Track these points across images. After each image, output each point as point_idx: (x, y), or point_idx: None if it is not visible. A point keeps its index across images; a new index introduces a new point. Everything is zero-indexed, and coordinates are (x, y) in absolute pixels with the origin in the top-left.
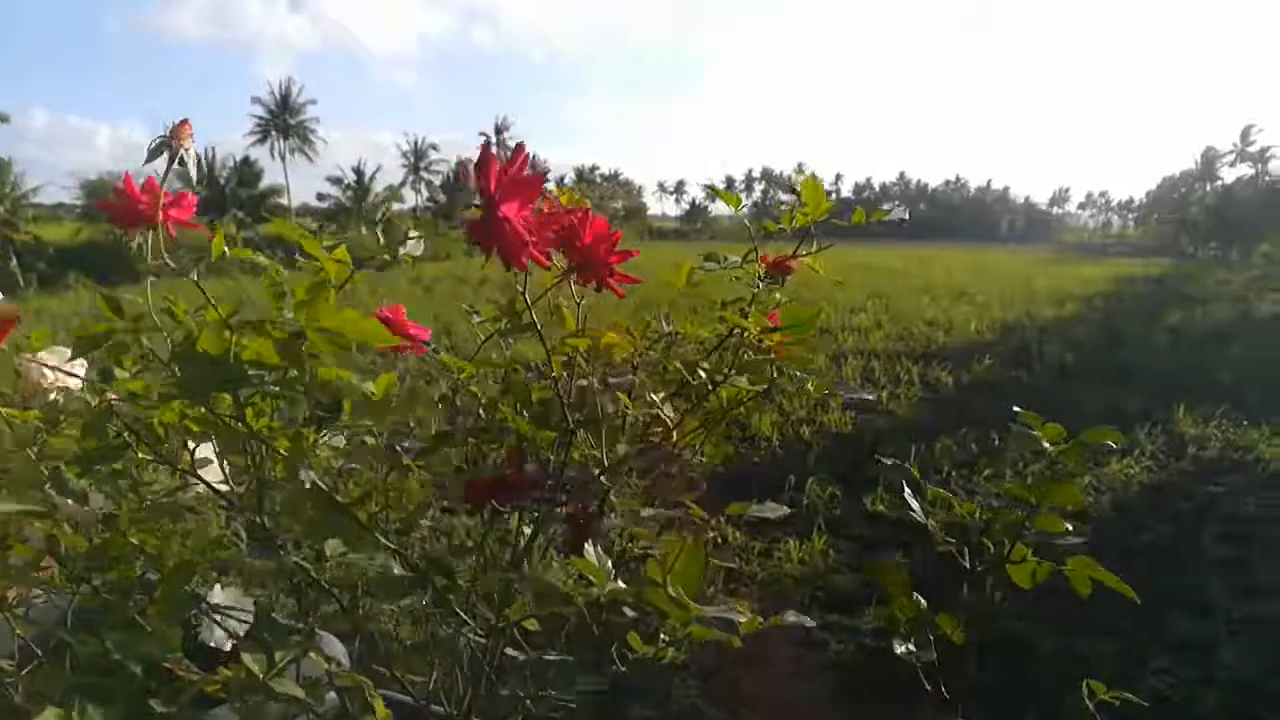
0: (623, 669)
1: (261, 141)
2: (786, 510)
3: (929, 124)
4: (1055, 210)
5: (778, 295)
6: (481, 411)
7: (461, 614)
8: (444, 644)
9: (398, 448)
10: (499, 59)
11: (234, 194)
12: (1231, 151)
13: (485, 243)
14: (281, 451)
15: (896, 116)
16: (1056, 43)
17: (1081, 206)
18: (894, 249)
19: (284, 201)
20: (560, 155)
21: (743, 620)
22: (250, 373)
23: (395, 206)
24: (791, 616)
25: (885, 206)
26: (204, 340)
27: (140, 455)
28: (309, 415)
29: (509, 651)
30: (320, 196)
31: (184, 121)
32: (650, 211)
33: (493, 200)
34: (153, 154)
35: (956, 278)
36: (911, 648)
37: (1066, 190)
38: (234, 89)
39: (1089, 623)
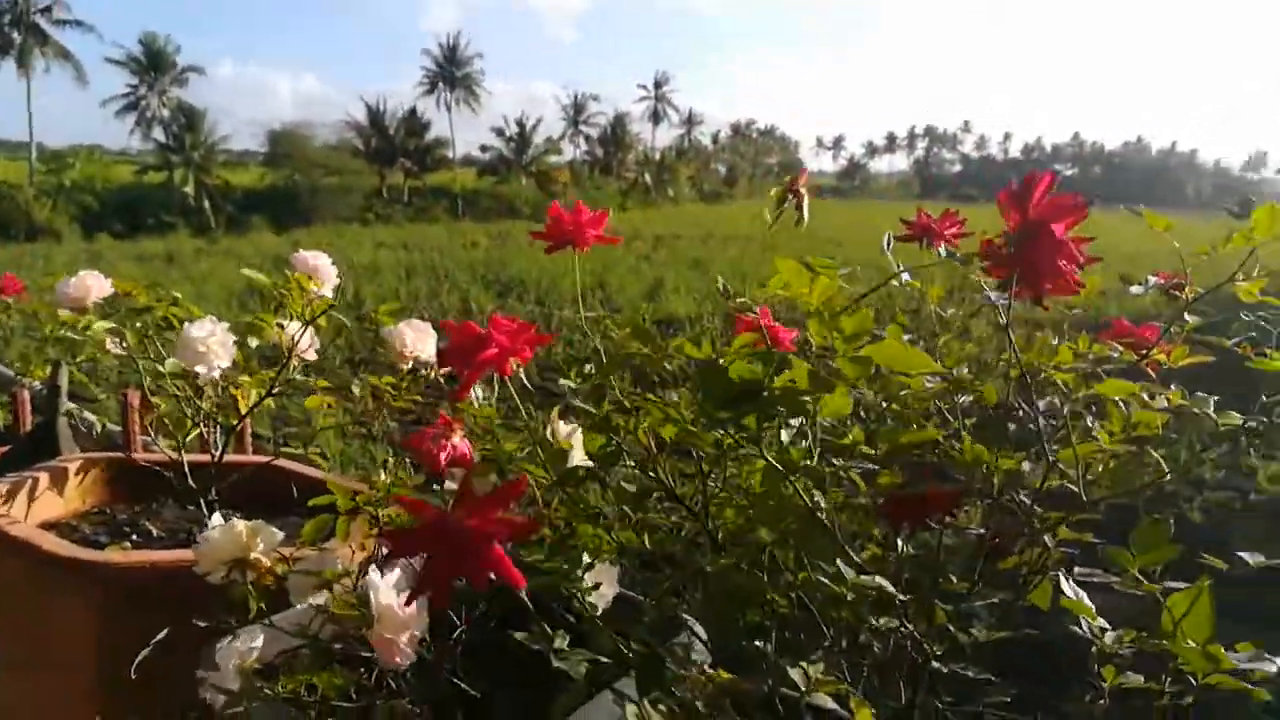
0: (1103, 701)
1: (429, 93)
2: None
3: (1108, 80)
4: (1250, 175)
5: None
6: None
7: (919, 637)
8: (864, 649)
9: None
10: (663, 12)
11: (402, 144)
12: None
13: (1032, 269)
14: (774, 463)
15: (1072, 71)
16: None
17: None
18: None
19: (449, 153)
20: (717, 110)
21: (1270, 669)
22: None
23: (553, 159)
24: None
25: None
26: (737, 369)
27: (625, 465)
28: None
29: (935, 663)
30: (483, 148)
31: (802, 171)
32: (806, 167)
33: (1042, 223)
34: (777, 204)
35: (1126, 246)
36: None
37: (1264, 154)
38: (405, 38)
39: None
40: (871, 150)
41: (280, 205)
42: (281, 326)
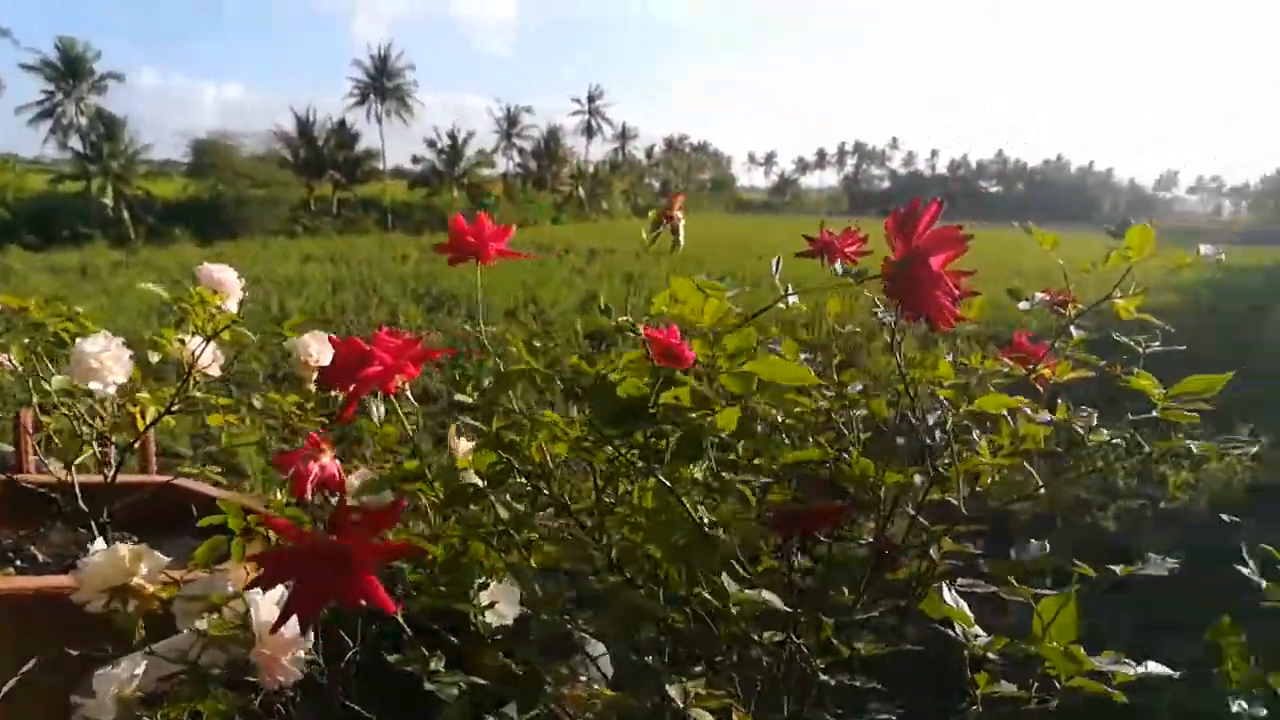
0: (979, 708)
1: (360, 104)
2: (1174, 564)
3: (1031, 101)
4: (1162, 194)
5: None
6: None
7: (807, 649)
8: (753, 661)
9: (738, 479)
10: (597, 26)
11: (331, 155)
12: None
13: (909, 299)
14: (664, 481)
15: (997, 92)
16: (1169, 21)
17: (1191, 190)
18: (983, 230)
19: (379, 165)
20: (652, 125)
21: (1130, 673)
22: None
23: (486, 171)
24: (1153, 665)
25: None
26: (627, 385)
27: (519, 480)
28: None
29: (823, 676)
30: (415, 160)
31: (677, 195)
32: (739, 183)
33: (922, 256)
34: (653, 227)
35: (1044, 261)
36: (1244, 705)
37: (1175, 173)
38: (334, 49)
39: None
40: (802, 166)
41: (204, 217)
42: (183, 342)
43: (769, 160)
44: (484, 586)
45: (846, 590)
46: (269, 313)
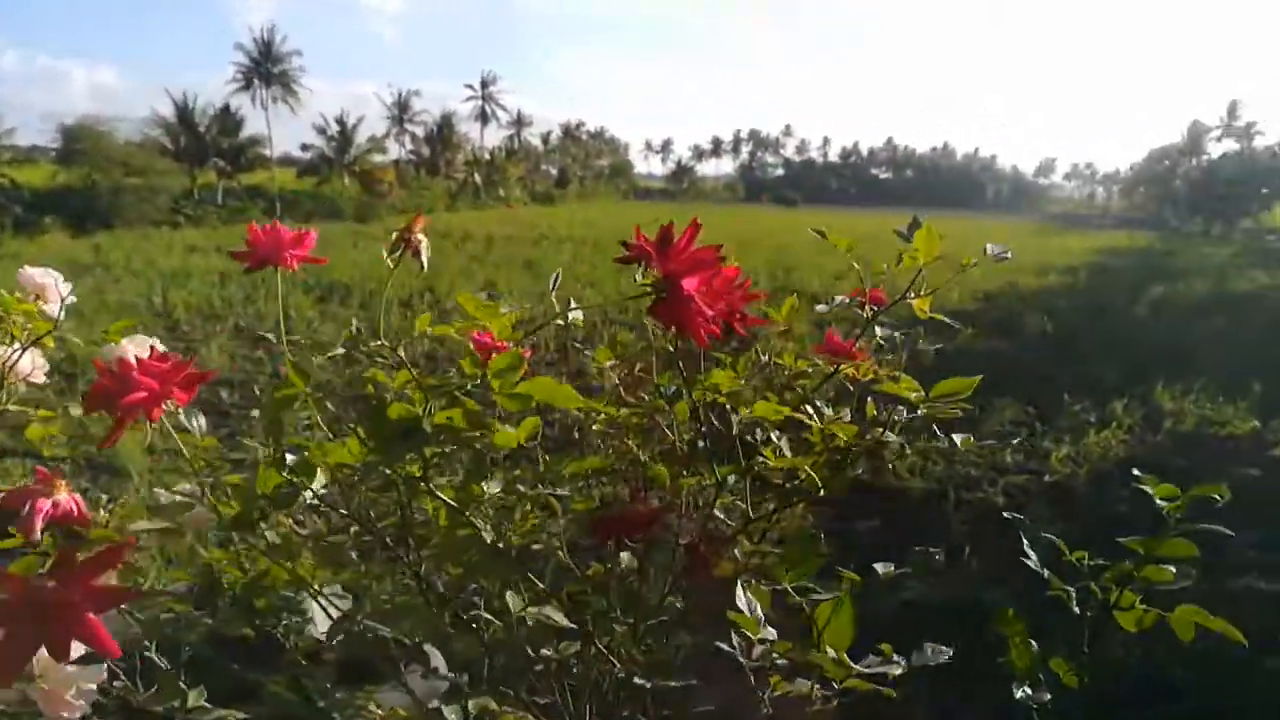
0: (769, 708)
1: (244, 89)
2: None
3: (919, 90)
4: (1041, 180)
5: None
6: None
7: (611, 658)
8: (569, 671)
9: (546, 491)
10: (491, 10)
11: (214, 142)
12: (1218, 126)
13: (668, 320)
14: (448, 501)
15: (886, 82)
16: (1049, 14)
17: (1067, 177)
18: (875, 215)
19: (266, 151)
20: (548, 111)
21: (897, 671)
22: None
23: (378, 158)
24: (928, 652)
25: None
26: (395, 409)
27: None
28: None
29: (636, 680)
30: (304, 147)
31: (418, 216)
32: (636, 170)
33: (675, 278)
34: (394, 248)
35: (940, 246)
36: (1028, 690)
37: (1053, 160)
38: (214, 31)
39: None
40: (698, 154)
41: (78, 206)
42: None
43: (665, 147)
44: (298, 606)
45: (666, 591)
46: (152, 307)
